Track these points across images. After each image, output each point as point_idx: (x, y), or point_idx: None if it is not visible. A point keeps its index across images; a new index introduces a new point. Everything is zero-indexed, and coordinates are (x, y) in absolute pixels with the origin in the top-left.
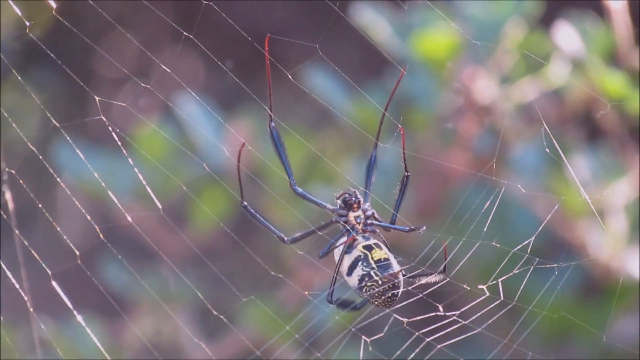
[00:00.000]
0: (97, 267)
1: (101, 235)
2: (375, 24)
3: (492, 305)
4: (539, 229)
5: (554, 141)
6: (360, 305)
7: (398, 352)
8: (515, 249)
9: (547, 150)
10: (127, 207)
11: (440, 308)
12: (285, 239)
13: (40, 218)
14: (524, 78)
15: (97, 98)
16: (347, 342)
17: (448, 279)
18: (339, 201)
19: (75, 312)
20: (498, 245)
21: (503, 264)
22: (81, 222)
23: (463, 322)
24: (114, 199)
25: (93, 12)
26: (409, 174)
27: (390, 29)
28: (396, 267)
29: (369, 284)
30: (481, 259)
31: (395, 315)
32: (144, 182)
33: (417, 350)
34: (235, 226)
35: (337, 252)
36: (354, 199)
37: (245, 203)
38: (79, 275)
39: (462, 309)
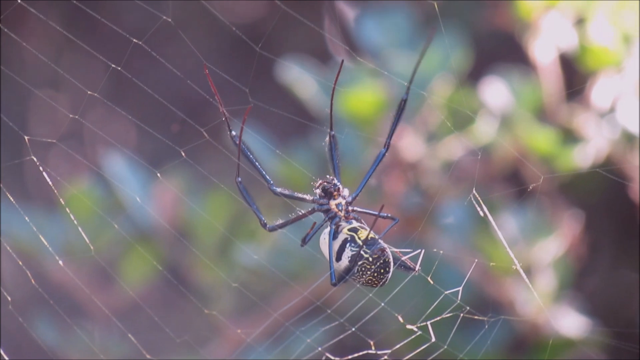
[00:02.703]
0: (29, 322)
1: (32, 280)
2: (301, 81)
3: (424, 347)
4: (464, 281)
5: (480, 200)
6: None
7: None
8: (447, 292)
9: (477, 207)
10: (59, 257)
11: (372, 345)
12: (267, 226)
13: None
14: (451, 135)
15: (26, 137)
16: None
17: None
18: (318, 190)
19: None
20: (432, 282)
21: (433, 306)
22: (12, 273)
23: None
24: (48, 246)
25: (24, 73)
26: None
27: (317, 87)
28: (383, 244)
29: (360, 262)
30: (410, 303)
31: (327, 354)
32: (80, 229)
33: None
34: (165, 283)
35: (322, 242)
36: (332, 186)
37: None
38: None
39: (394, 347)
